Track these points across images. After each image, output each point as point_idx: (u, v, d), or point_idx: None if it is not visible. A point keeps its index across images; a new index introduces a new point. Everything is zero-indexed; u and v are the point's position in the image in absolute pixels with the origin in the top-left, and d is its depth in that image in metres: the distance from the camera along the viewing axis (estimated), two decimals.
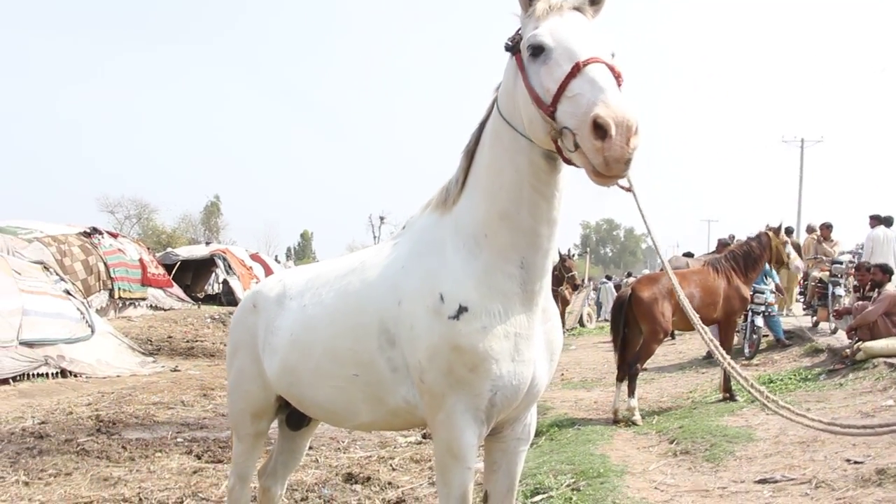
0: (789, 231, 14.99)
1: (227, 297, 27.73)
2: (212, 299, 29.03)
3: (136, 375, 13.21)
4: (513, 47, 2.63)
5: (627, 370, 8.62)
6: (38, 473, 6.99)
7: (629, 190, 2.54)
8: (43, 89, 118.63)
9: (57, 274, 14.22)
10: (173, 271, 27.01)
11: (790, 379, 9.81)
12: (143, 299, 21.44)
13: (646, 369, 12.70)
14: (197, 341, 18.17)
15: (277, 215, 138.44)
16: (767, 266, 9.86)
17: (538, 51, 2.49)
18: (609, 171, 2.24)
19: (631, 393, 8.46)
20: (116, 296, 19.91)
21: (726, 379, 8.89)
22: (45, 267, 14.05)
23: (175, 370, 14.16)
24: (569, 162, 2.47)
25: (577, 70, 2.33)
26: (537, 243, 2.79)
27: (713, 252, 15.36)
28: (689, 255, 18.24)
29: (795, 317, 13.86)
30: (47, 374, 11.92)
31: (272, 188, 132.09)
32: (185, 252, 29.98)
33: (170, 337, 18.11)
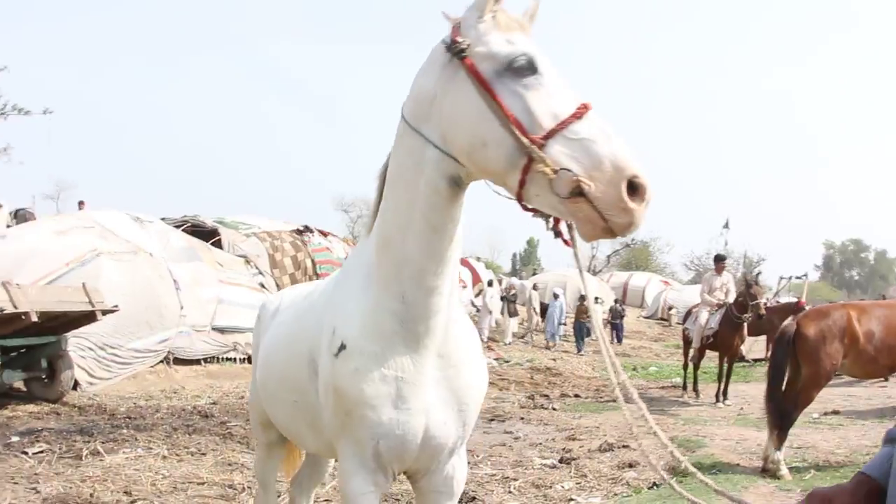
0: None
1: None
2: None
3: None
4: (462, 50, 2.28)
5: (779, 418, 7.47)
6: (179, 450, 7.54)
7: (570, 244, 2.28)
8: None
9: (256, 268, 15.31)
10: None
11: None
12: None
13: (836, 412, 11.37)
14: None
15: (502, 221, 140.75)
16: None
17: (526, 71, 2.21)
18: (625, 232, 2.08)
19: (779, 445, 7.44)
20: None
21: None
22: (246, 261, 15.19)
23: None
24: (525, 203, 2.19)
25: (583, 112, 2.12)
26: (421, 279, 2.47)
27: None
28: None
29: None
30: (235, 359, 12.87)
31: (498, 195, 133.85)
32: None
33: None
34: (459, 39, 2.28)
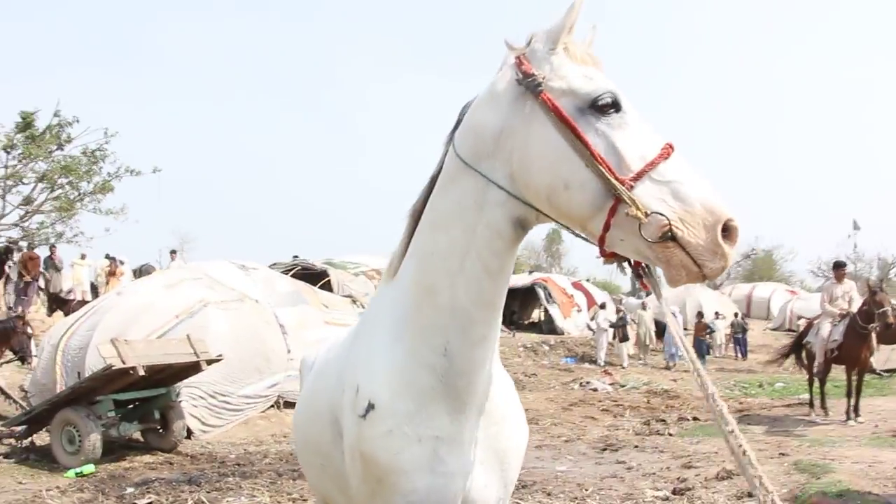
0: None
1: (546, 326, 28.11)
2: (535, 327, 29.65)
3: None
4: (538, 84, 2.08)
5: None
6: (282, 496, 7.54)
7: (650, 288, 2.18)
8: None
9: (363, 307, 15.44)
10: None
11: None
12: None
13: None
14: None
15: None
16: None
17: (610, 108, 2.05)
18: (716, 275, 2.02)
19: None
20: None
21: None
22: (353, 300, 15.34)
23: None
24: (606, 248, 2.05)
25: (668, 152, 2.02)
26: (469, 329, 2.24)
27: None
28: None
29: None
30: None
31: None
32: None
33: None
34: (535, 72, 2.09)
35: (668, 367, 21.81)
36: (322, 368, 2.94)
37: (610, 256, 2.07)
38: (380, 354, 2.39)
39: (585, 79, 2.08)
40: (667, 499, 7.54)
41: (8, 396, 11.74)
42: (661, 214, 1.92)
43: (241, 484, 8.02)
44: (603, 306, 24.73)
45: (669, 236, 1.91)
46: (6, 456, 9.64)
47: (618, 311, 24.98)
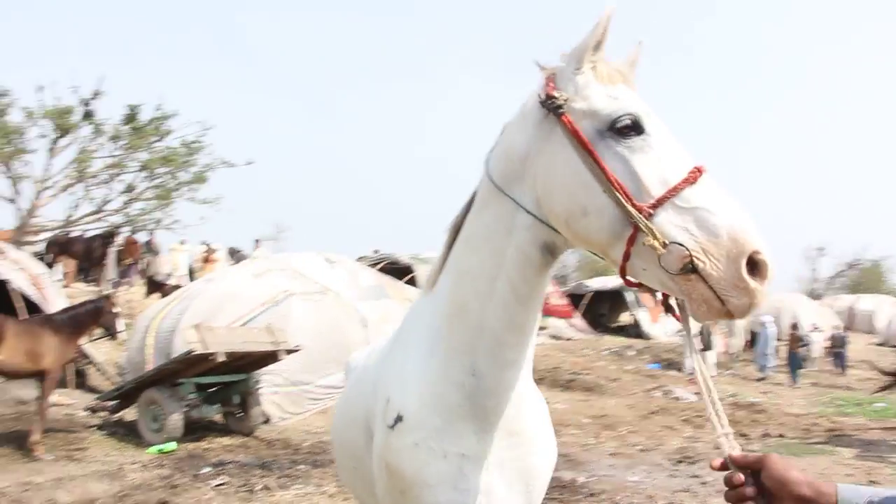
0: None
1: (634, 330, 27.61)
2: (622, 331, 29.16)
3: None
4: (559, 106, 2.03)
5: None
6: (347, 488, 7.67)
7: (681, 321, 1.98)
8: None
9: None
10: (585, 301, 27.86)
11: None
12: (544, 328, 22.29)
13: None
14: (582, 374, 18.30)
15: None
16: None
17: (630, 131, 1.97)
18: (743, 313, 1.83)
19: None
20: None
21: None
22: None
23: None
24: (628, 278, 1.96)
25: (696, 176, 1.88)
26: (498, 352, 2.23)
27: None
28: None
29: None
30: None
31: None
32: (598, 283, 30.60)
33: (556, 367, 18.52)
34: (556, 94, 2.04)
35: (760, 380, 21.07)
36: (361, 375, 2.97)
37: (637, 285, 1.99)
38: (412, 368, 2.40)
39: (609, 99, 2.00)
40: None
41: (103, 372, 12.36)
42: (680, 245, 1.82)
43: (310, 472, 8.19)
44: None
45: (690, 268, 1.81)
46: (99, 428, 10.16)
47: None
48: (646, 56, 2.17)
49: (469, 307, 2.24)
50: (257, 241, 26.14)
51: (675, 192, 1.86)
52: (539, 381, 14.21)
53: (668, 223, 1.84)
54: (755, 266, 1.78)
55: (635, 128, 1.95)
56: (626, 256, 1.89)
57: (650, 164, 1.92)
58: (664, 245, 1.82)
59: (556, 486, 8.28)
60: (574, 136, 1.98)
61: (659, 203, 1.86)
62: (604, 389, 16.73)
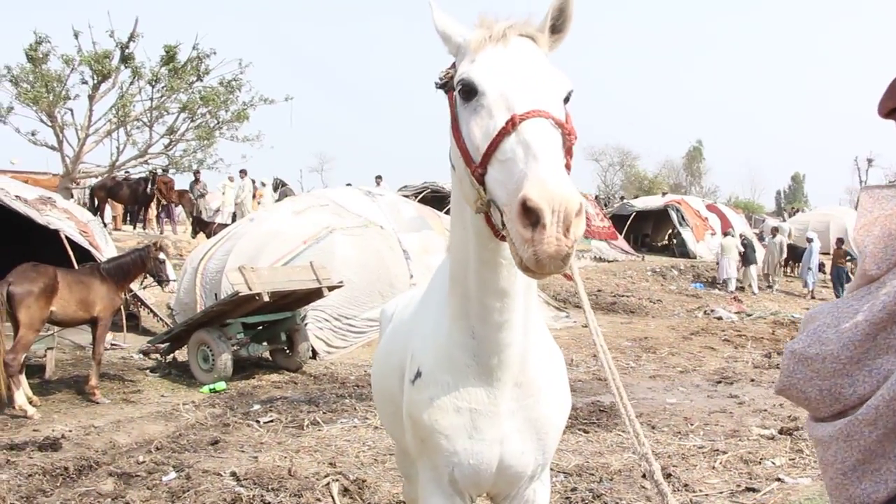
0: None
1: (679, 249, 27.50)
2: (667, 250, 29.04)
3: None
4: (444, 84, 2.15)
5: None
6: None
7: (570, 278, 2.07)
8: None
9: None
10: (628, 222, 27.73)
11: None
12: (587, 251, 22.33)
13: None
14: (624, 296, 18.39)
15: (764, 157, 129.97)
16: None
17: (469, 93, 2.01)
18: (541, 268, 1.76)
19: None
20: None
21: None
22: None
23: (585, 326, 14.54)
24: (499, 235, 1.97)
25: (511, 126, 1.86)
26: (487, 316, 2.33)
27: None
28: None
29: None
30: None
31: (758, 130, 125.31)
32: (641, 203, 30.43)
33: (599, 290, 18.61)
34: (442, 74, 2.18)
35: (806, 296, 20.93)
36: (397, 327, 3.15)
37: None
38: (430, 327, 2.60)
39: (464, 66, 2.05)
40: (773, 437, 7.40)
41: (155, 314, 12.81)
42: (493, 201, 1.85)
43: (356, 406, 8.50)
44: (726, 234, 23.67)
45: (502, 224, 1.83)
46: (152, 370, 10.59)
47: (741, 235, 23.84)
48: None
49: (457, 275, 2.39)
50: (378, 178, 25.37)
51: (494, 146, 1.87)
52: (581, 305, 14.44)
53: (492, 180, 1.86)
54: (528, 214, 1.71)
55: (471, 90, 2.00)
56: (488, 221, 1.97)
57: (481, 123, 1.96)
58: (487, 204, 1.87)
59: (596, 409, 8.51)
60: (450, 109, 2.10)
61: (485, 161, 1.88)
62: (646, 311, 16.85)
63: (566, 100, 2.04)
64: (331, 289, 10.57)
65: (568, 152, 1.94)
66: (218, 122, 18.58)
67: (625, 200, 33.75)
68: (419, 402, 2.52)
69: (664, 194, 34.24)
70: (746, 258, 21.51)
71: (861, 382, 1.08)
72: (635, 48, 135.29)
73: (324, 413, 8.20)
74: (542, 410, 2.57)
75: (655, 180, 63.15)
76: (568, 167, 1.94)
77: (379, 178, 24.54)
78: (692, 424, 7.94)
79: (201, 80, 18.13)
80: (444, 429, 2.48)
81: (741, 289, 21.19)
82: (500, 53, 2.04)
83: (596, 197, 31.24)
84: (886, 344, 1.07)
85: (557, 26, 2.16)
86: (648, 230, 31.09)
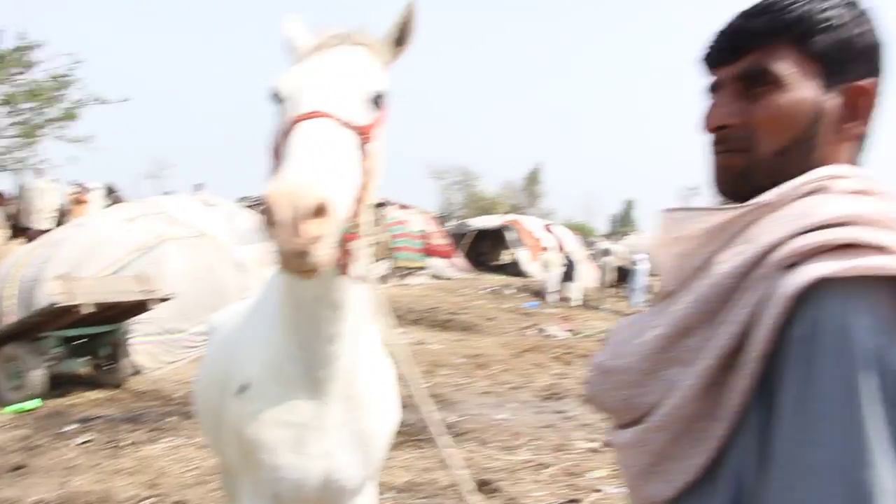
0: None
1: (513, 269, 28.36)
2: (502, 269, 29.86)
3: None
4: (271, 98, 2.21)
5: None
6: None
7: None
8: None
9: None
10: (467, 240, 28.33)
11: None
12: (424, 268, 22.61)
13: None
14: (459, 313, 18.72)
15: (599, 183, 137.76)
16: None
17: (276, 101, 2.10)
18: (284, 264, 1.79)
19: None
20: (397, 265, 21.24)
21: None
22: None
23: (420, 343, 14.74)
24: None
25: (290, 128, 1.93)
26: (316, 327, 2.34)
27: None
28: None
29: None
30: None
31: (596, 155, 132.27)
32: (479, 222, 31.14)
33: (434, 308, 18.84)
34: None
35: (630, 314, 22.07)
36: (225, 337, 3.05)
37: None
38: (259, 338, 2.55)
39: (280, 79, 2.13)
40: (596, 450, 7.75)
41: None
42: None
43: (181, 423, 8.16)
44: (551, 250, 24.99)
45: None
46: None
47: (565, 252, 25.32)
48: None
49: (288, 284, 2.34)
50: (198, 186, 23.98)
51: (277, 151, 1.96)
52: (417, 321, 14.54)
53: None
54: (267, 211, 1.72)
55: (277, 98, 2.09)
56: None
57: (276, 129, 2.04)
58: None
59: (427, 426, 8.57)
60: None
61: (277, 166, 1.95)
62: (480, 328, 17.20)
63: (376, 102, 2.09)
64: (160, 300, 10.12)
65: (365, 154, 2.00)
66: (44, 120, 17.40)
67: (463, 220, 34.49)
68: (244, 415, 2.47)
69: (507, 213, 35.23)
70: (568, 274, 22.82)
71: (651, 392, 1.16)
72: (481, 69, 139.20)
73: (146, 432, 7.82)
74: (370, 424, 2.59)
75: (496, 200, 64.91)
76: (367, 170, 2.00)
77: (199, 185, 23.45)
78: (520, 440, 8.18)
79: (27, 73, 16.93)
80: (269, 443, 2.43)
81: (564, 300, 22.42)
82: (313, 62, 2.11)
83: (437, 215, 31.67)
84: (675, 356, 1.14)
85: (400, 38, 2.27)
86: (486, 249, 31.89)
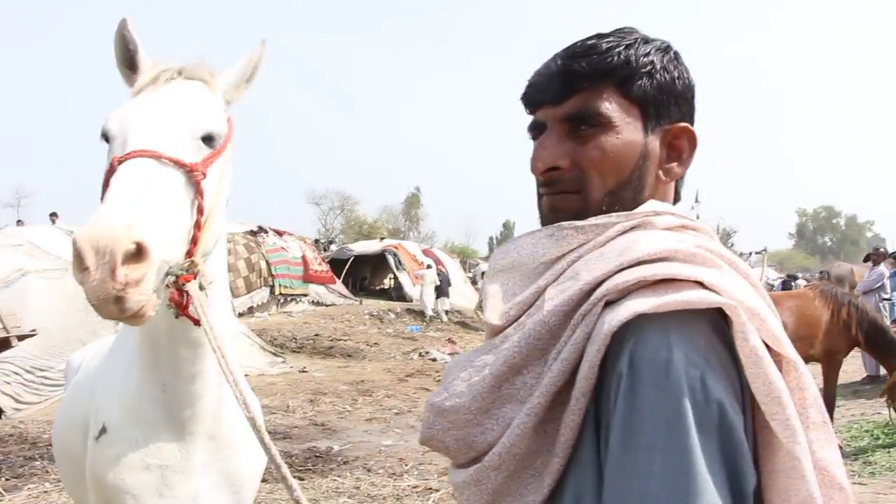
0: None
1: (396, 293, 28.38)
2: (385, 294, 29.84)
3: (262, 375, 13.62)
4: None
5: None
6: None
7: (197, 323, 2.06)
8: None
9: None
10: (347, 266, 28.14)
11: None
12: (305, 295, 22.30)
13: None
14: (341, 339, 18.56)
15: (478, 205, 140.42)
16: None
17: (104, 139, 2.05)
18: (99, 311, 1.71)
19: None
20: (277, 292, 20.86)
21: None
22: None
23: (303, 371, 14.51)
24: None
25: (111, 169, 1.86)
26: (178, 367, 2.28)
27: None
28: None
29: None
30: None
31: (473, 179, 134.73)
32: (360, 248, 31.04)
33: (317, 335, 18.61)
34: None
35: None
36: (83, 378, 2.91)
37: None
38: (117, 380, 2.44)
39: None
40: None
41: None
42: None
43: (48, 468, 7.70)
44: (429, 267, 25.39)
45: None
46: None
47: (438, 269, 25.84)
48: None
49: (147, 324, 2.22)
50: (53, 214, 22.56)
51: (102, 193, 1.86)
52: (299, 349, 14.28)
53: None
54: (77, 256, 1.67)
55: (105, 138, 2.04)
56: None
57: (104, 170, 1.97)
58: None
59: (312, 455, 8.44)
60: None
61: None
62: (363, 354, 17.11)
63: (209, 138, 2.06)
64: (21, 338, 9.55)
65: (199, 191, 1.95)
66: None
67: (344, 245, 34.30)
68: (104, 460, 2.35)
69: (382, 239, 35.26)
70: (441, 290, 23.36)
71: (489, 430, 1.15)
72: (358, 95, 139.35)
73: (7, 479, 7.32)
74: (238, 464, 2.52)
75: (375, 225, 64.98)
76: (200, 209, 1.95)
77: (54, 215, 22.35)
78: (407, 465, 8.16)
79: None
80: (132, 488, 2.32)
81: (435, 316, 23.27)
82: (145, 97, 2.07)
83: (315, 241, 31.36)
84: (509, 394, 1.14)
85: (251, 76, 2.29)
86: (367, 274, 31.83)
